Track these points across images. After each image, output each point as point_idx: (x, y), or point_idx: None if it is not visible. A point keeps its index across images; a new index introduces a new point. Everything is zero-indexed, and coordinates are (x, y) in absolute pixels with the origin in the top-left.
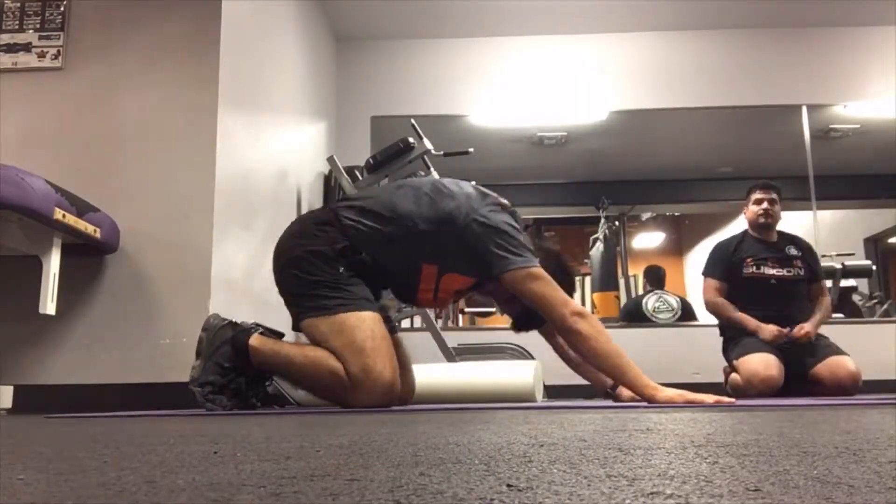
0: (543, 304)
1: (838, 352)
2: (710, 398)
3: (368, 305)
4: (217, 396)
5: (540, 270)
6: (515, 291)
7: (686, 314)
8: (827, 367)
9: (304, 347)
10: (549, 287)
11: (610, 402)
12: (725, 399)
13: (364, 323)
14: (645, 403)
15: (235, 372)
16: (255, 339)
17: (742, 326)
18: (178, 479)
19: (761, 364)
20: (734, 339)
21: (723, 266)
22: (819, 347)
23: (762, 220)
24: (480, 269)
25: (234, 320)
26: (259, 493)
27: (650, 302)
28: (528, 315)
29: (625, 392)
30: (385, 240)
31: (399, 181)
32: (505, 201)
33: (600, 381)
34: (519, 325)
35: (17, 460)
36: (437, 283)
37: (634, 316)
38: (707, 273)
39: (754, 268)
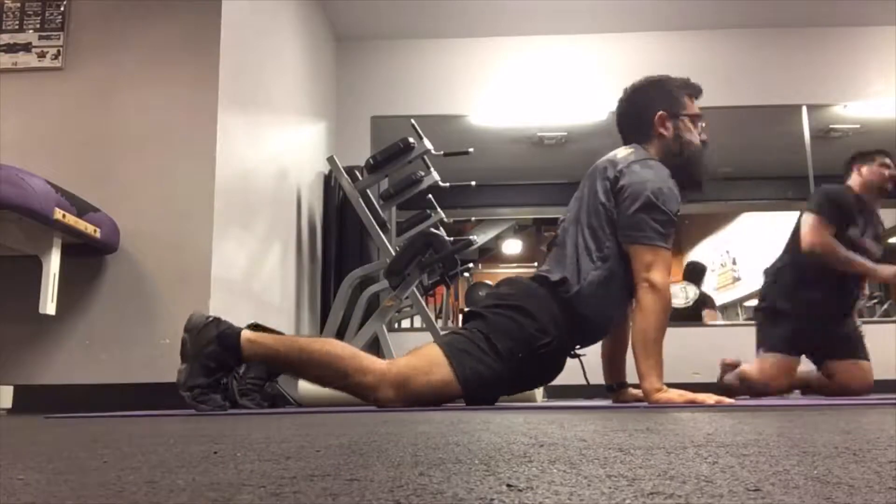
0: (634, 263)
1: (861, 355)
2: (710, 398)
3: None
4: (209, 397)
5: (656, 249)
6: (632, 255)
7: (695, 312)
8: (844, 367)
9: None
10: (647, 255)
11: (609, 403)
12: (726, 399)
13: (452, 385)
14: (644, 404)
15: (223, 371)
16: (248, 333)
17: (853, 269)
18: (178, 479)
19: (782, 370)
20: (773, 322)
21: (842, 216)
22: (850, 341)
23: (890, 185)
24: None
25: (217, 317)
26: (259, 493)
27: (673, 288)
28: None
29: (625, 395)
30: (600, 279)
31: (563, 231)
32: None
33: (611, 373)
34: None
35: (17, 460)
36: None
37: None
38: (825, 214)
39: (857, 234)
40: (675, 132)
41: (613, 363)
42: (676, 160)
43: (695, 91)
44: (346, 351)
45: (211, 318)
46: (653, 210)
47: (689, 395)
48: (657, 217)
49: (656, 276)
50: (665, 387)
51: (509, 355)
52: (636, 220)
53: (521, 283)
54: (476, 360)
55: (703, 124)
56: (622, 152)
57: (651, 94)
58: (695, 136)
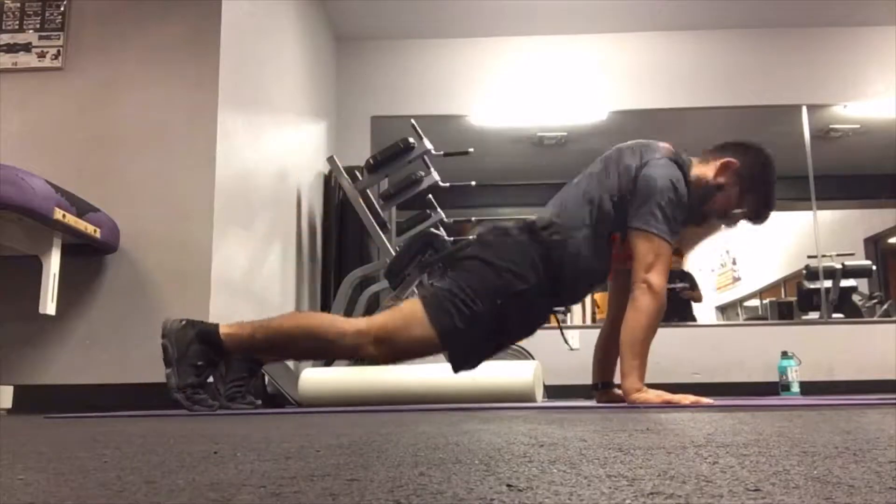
0: (636, 260)
1: None
2: (687, 399)
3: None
4: (201, 396)
5: (661, 244)
6: (632, 245)
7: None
8: None
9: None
10: (650, 255)
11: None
12: (704, 400)
13: (432, 339)
14: (624, 404)
15: (210, 367)
16: (226, 327)
17: None
18: (178, 479)
19: None
20: None
21: None
22: None
23: None
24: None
25: (189, 319)
26: (259, 493)
27: None
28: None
29: (608, 394)
30: (588, 236)
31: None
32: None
33: (601, 372)
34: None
35: (17, 460)
36: (622, 247)
37: None
38: None
39: None
40: (718, 185)
41: (605, 362)
42: (698, 191)
43: (758, 218)
44: (319, 319)
45: (184, 321)
46: (668, 205)
47: (667, 396)
48: (669, 212)
49: (655, 278)
50: (645, 387)
51: (488, 303)
52: (650, 208)
53: (501, 228)
54: (455, 312)
55: (732, 227)
56: (658, 144)
57: (752, 160)
58: (720, 207)
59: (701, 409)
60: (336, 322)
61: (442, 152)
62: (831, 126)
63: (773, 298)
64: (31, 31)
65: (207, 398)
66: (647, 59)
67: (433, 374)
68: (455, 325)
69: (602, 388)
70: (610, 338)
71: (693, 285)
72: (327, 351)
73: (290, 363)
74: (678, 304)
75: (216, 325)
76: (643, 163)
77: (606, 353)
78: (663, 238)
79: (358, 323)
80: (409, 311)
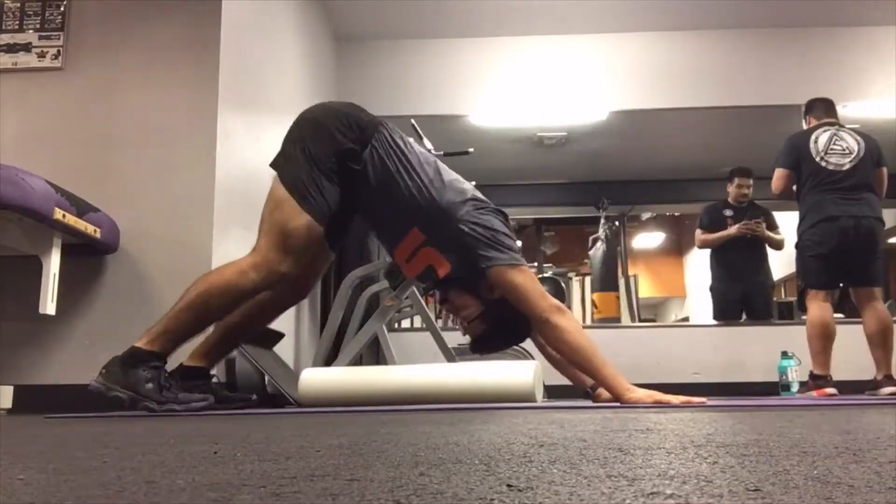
0: (526, 296)
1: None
2: (677, 399)
3: (320, 209)
4: (175, 397)
5: (525, 268)
6: (499, 286)
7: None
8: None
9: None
10: (531, 282)
11: (609, 403)
12: (695, 399)
13: (301, 221)
14: (617, 404)
15: (157, 370)
16: (139, 342)
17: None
18: (178, 479)
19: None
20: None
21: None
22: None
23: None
24: (460, 261)
25: (104, 365)
26: (259, 493)
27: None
28: (489, 336)
29: (604, 393)
30: (398, 190)
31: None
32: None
33: (581, 379)
34: (476, 346)
35: (17, 460)
36: (416, 251)
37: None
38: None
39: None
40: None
41: (573, 374)
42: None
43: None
44: (212, 276)
45: (102, 370)
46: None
47: (658, 396)
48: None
49: (552, 300)
50: (633, 386)
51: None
52: (497, 241)
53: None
54: (312, 188)
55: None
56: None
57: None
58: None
59: (701, 409)
60: (227, 268)
61: (442, 152)
62: None
63: (774, 298)
64: (31, 31)
65: (177, 395)
66: (647, 59)
67: (433, 374)
68: (315, 198)
69: (593, 390)
70: (551, 355)
71: (771, 224)
72: (238, 298)
73: (290, 364)
74: (749, 293)
75: (132, 347)
76: (469, 212)
77: (564, 364)
78: (522, 264)
79: (248, 259)
80: (285, 211)
